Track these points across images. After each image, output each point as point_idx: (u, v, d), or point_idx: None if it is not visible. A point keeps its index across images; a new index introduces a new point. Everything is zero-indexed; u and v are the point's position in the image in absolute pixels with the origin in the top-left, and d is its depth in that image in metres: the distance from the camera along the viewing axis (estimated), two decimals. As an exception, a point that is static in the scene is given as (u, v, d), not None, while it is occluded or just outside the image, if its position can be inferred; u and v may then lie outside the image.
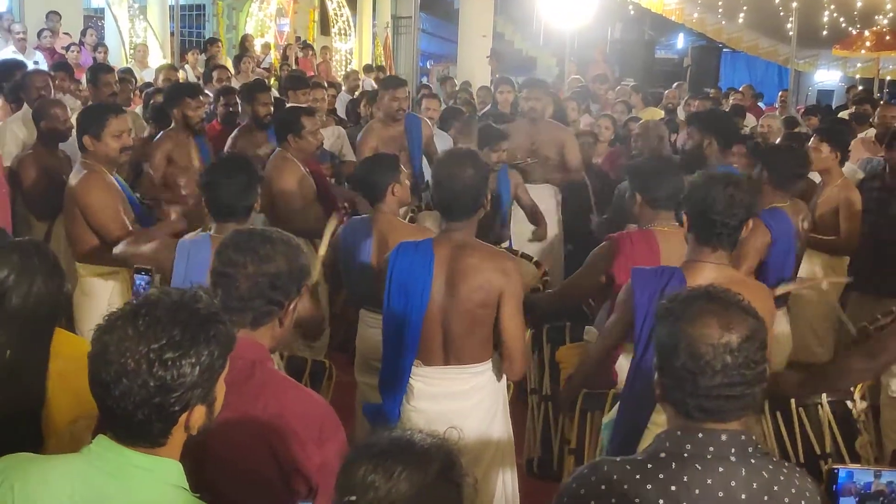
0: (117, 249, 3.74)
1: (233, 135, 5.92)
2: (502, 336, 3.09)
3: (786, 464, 1.90)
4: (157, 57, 12.89)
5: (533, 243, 5.60)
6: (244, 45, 13.43)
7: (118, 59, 12.20)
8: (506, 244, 5.26)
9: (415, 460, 1.54)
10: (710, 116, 5.10)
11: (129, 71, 8.95)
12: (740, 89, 13.13)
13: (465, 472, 1.59)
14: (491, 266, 3.06)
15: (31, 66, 7.26)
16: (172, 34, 13.77)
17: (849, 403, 3.49)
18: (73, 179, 4.23)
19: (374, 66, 15.86)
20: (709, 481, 1.76)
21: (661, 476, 1.78)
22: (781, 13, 14.35)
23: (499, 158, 5.31)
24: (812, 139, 5.42)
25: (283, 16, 16.61)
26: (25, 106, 5.63)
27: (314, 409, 2.16)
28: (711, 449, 1.79)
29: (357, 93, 10.34)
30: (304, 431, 2.08)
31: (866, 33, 15.12)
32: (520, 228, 5.68)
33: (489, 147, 5.25)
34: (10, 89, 6.16)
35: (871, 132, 7.99)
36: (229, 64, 10.98)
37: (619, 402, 3.01)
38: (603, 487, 1.80)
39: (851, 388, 3.47)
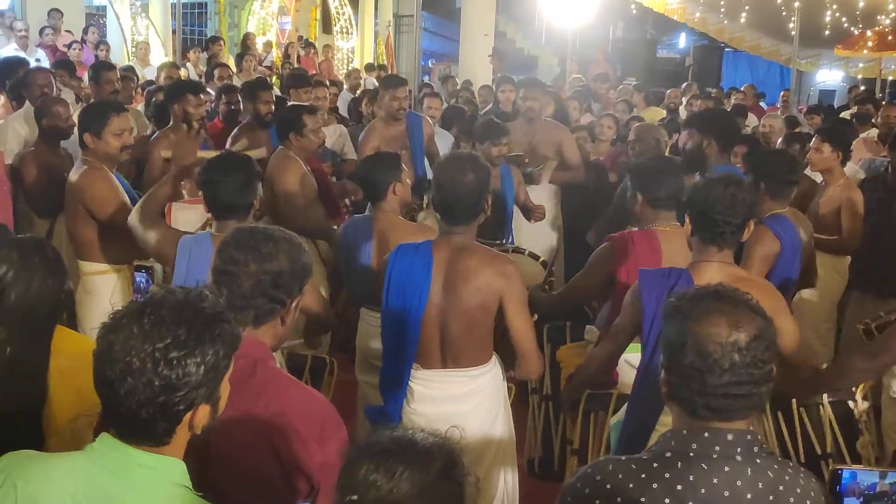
0: (132, 219, 3.71)
1: (233, 133, 5.91)
2: (513, 337, 3.08)
3: (791, 464, 1.89)
4: (159, 55, 12.91)
5: (533, 243, 5.58)
6: (246, 44, 13.46)
7: (120, 56, 12.20)
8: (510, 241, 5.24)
9: (416, 459, 1.53)
10: (709, 117, 5.08)
11: (130, 69, 8.94)
12: (742, 89, 13.08)
13: (466, 471, 1.58)
14: (490, 269, 3.04)
15: (32, 64, 7.26)
16: (174, 32, 13.81)
17: (850, 403, 3.47)
18: (74, 175, 4.22)
19: (375, 64, 15.87)
20: (714, 481, 1.76)
21: (666, 475, 1.77)
22: (783, 13, 14.37)
23: (500, 152, 5.30)
24: (814, 139, 5.42)
25: (284, 14, 16.60)
26: (27, 103, 5.62)
27: (316, 407, 2.16)
28: (717, 448, 1.78)
29: (359, 91, 10.35)
30: (306, 430, 2.08)
31: (868, 33, 15.14)
32: (521, 224, 5.66)
33: (490, 141, 5.25)
34: (12, 87, 6.16)
35: (873, 132, 7.99)
36: (231, 62, 11.00)
37: (627, 403, 2.99)
38: (608, 486, 1.79)
39: (853, 388, 3.47)
